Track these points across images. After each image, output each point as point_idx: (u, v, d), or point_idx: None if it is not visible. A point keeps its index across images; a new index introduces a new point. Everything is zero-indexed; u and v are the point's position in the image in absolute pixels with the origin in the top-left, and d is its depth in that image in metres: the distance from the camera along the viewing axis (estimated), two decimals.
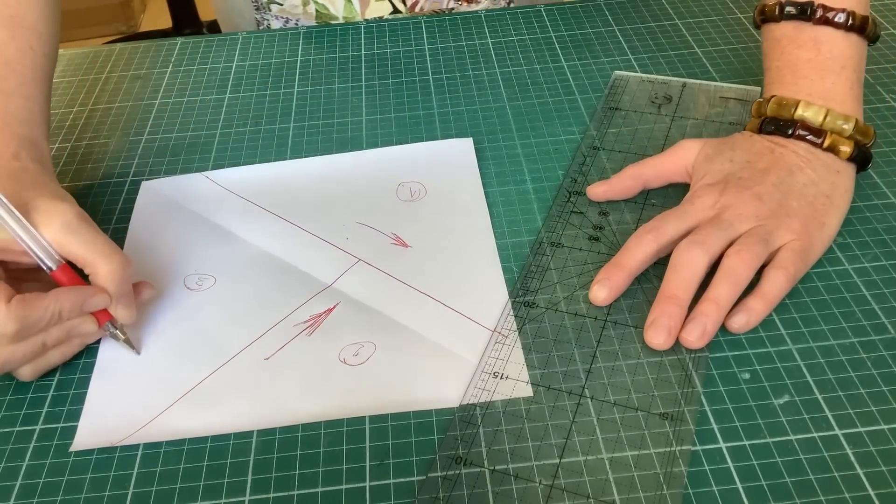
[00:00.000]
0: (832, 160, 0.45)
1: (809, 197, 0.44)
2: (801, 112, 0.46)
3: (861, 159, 0.46)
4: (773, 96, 0.48)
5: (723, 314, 0.40)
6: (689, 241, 0.41)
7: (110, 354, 0.42)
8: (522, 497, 0.34)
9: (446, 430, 0.37)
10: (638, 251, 0.42)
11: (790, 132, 0.46)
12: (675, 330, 0.39)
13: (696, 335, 0.39)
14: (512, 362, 0.40)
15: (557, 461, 0.35)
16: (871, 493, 0.34)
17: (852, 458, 0.35)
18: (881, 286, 0.42)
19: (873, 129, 0.46)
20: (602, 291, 0.42)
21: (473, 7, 0.72)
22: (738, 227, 0.42)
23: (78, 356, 0.42)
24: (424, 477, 0.35)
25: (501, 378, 0.39)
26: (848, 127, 0.45)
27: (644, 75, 0.60)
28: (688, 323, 0.39)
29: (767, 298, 0.40)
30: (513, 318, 0.42)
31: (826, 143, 0.45)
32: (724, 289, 0.40)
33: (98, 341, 0.43)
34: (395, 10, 0.71)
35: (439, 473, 0.35)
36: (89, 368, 0.41)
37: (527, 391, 0.38)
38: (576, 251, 0.45)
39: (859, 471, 0.34)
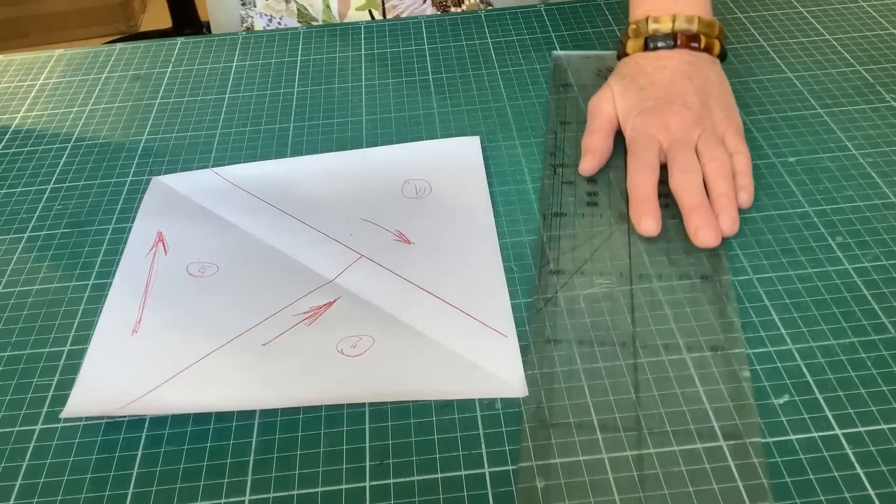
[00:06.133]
0: (708, 57, 0.54)
1: (715, 91, 0.51)
2: (678, 25, 0.53)
3: (724, 55, 0.55)
4: (647, 17, 0.54)
5: (734, 201, 0.46)
6: (679, 172, 0.47)
7: (108, 330, 0.43)
8: (522, 497, 0.34)
9: (446, 431, 0.37)
10: (648, 183, 0.47)
11: (674, 43, 0.53)
12: (716, 226, 0.45)
13: (730, 223, 0.45)
14: (511, 362, 0.40)
15: (557, 461, 0.35)
16: (871, 492, 0.34)
17: (852, 458, 0.35)
18: (881, 286, 0.42)
19: (718, 22, 0.54)
20: (650, 222, 0.46)
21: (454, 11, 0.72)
22: (692, 136, 0.49)
23: (79, 355, 0.42)
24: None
25: (501, 378, 0.39)
26: (697, 25, 0.53)
27: (583, 52, 0.62)
28: (719, 217, 0.45)
29: (746, 175, 0.48)
30: (512, 316, 0.42)
31: (703, 45, 0.53)
32: (722, 184, 0.47)
33: (95, 313, 0.43)
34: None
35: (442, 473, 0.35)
36: None
37: (526, 392, 0.38)
38: (580, 217, 0.48)
39: (859, 471, 0.34)
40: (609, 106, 0.53)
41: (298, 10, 0.72)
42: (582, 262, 0.44)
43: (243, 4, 0.74)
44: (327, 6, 0.71)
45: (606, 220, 0.47)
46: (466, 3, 0.72)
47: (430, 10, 0.72)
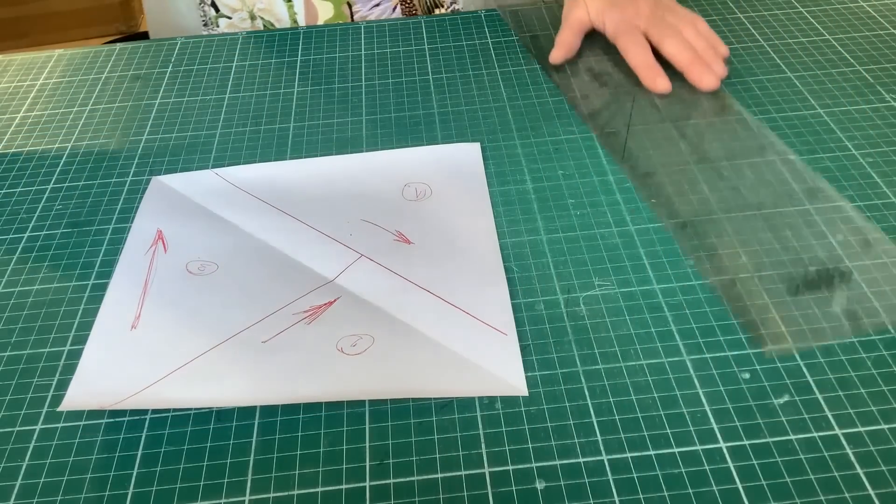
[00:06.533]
0: None
1: None
2: None
3: None
4: None
5: (715, 53, 0.58)
6: (666, 39, 0.58)
7: (106, 325, 0.43)
8: (522, 498, 0.34)
9: (446, 431, 0.37)
10: (646, 53, 0.57)
11: None
12: (714, 72, 0.56)
13: (720, 68, 0.57)
14: (511, 361, 0.40)
15: (557, 462, 0.35)
16: (871, 492, 0.34)
17: (852, 458, 0.35)
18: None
19: None
20: (663, 81, 0.56)
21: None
22: (660, 14, 0.59)
23: (79, 356, 0.42)
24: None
25: (501, 377, 0.39)
26: None
27: None
28: (711, 66, 0.56)
29: (713, 34, 0.60)
30: (512, 316, 0.42)
31: None
32: (701, 42, 0.58)
33: (94, 313, 0.44)
34: None
35: (440, 475, 0.35)
36: None
37: (525, 391, 0.38)
38: (602, 95, 0.57)
39: (859, 471, 0.34)
40: (581, 11, 0.62)
41: (265, 26, 0.72)
42: (627, 121, 0.53)
43: (205, 25, 0.74)
44: (294, 21, 0.71)
45: (623, 91, 0.57)
46: (437, 12, 0.72)
47: None
